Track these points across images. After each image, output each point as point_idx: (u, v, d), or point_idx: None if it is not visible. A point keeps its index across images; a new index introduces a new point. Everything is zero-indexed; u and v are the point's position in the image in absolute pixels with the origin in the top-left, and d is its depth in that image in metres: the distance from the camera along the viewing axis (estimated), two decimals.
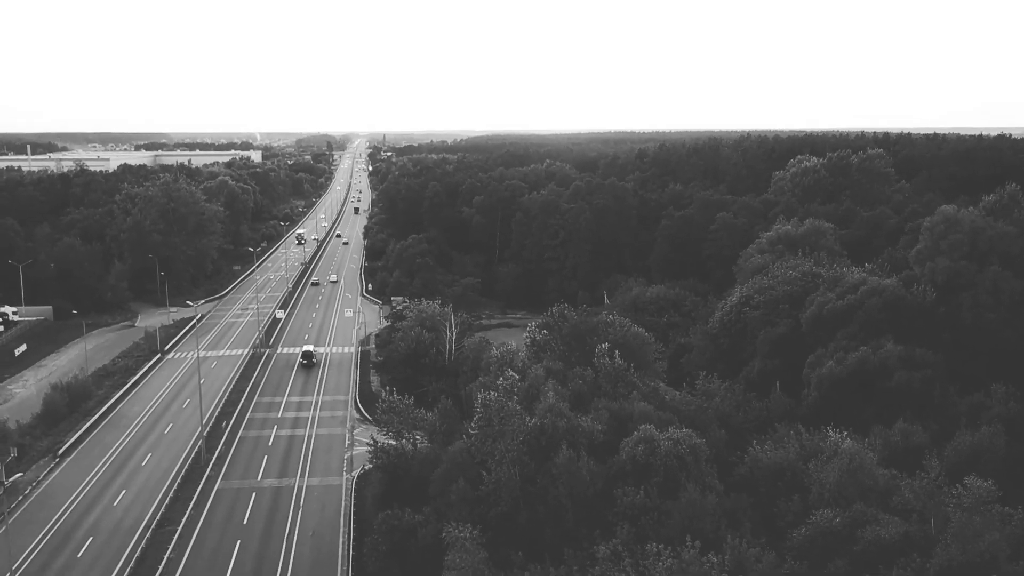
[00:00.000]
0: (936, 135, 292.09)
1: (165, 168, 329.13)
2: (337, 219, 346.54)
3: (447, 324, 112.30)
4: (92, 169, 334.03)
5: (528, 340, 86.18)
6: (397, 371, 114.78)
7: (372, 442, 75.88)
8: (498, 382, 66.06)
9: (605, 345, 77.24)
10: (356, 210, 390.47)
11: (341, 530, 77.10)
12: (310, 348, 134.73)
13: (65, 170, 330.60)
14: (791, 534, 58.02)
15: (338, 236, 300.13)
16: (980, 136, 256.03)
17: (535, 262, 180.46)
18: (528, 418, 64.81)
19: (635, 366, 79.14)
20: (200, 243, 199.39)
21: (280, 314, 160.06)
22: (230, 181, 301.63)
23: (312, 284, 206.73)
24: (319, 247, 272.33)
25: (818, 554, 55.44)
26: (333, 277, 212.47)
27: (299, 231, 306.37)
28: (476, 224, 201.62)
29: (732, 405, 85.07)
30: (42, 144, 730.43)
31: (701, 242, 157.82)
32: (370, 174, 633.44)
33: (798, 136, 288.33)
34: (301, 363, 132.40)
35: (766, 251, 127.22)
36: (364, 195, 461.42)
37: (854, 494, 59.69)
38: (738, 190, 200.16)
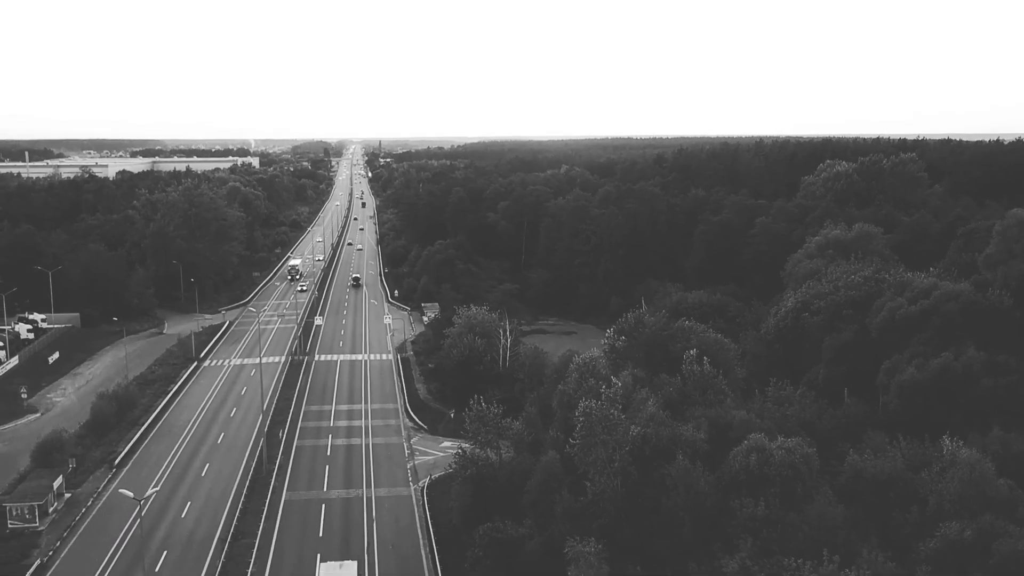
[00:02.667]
0: (949, 140, 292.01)
1: (176, 176, 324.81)
2: (344, 231, 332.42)
3: (500, 331, 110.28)
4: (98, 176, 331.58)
5: (607, 347, 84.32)
6: (449, 379, 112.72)
7: (460, 451, 73.86)
8: (601, 390, 64.04)
9: (693, 351, 75.40)
10: (363, 204, 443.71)
11: (421, 542, 75.11)
12: (359, 275, 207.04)
13: (73, 176, 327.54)
14: (917, 546, 56.16)
15: (355, 219, 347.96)
16: (998, 141, 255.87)
17: (565, 268, 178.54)
18: (633, 427, 62.90)
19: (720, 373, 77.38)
20: (222, 249, 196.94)
21: (319, 320, 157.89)
22: (241, 187, 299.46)
23: (347, 244, 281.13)
24: (334, 254, 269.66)
25: (950, 568, 53.65)
26: (360, 246, 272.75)
27: (292, 262, 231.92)
28: (501, 229, 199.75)
29: (812, 413, 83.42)
30: (37, 150, 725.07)
31: (740, 247, 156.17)
32: (370, 180, 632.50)
33: (817, 141, 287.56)
34: (351, 284, 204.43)
35: (816, 256, 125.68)
36: (367, 199, 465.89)
37: (978, 506, 57.87)
38: (761, 194, 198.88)
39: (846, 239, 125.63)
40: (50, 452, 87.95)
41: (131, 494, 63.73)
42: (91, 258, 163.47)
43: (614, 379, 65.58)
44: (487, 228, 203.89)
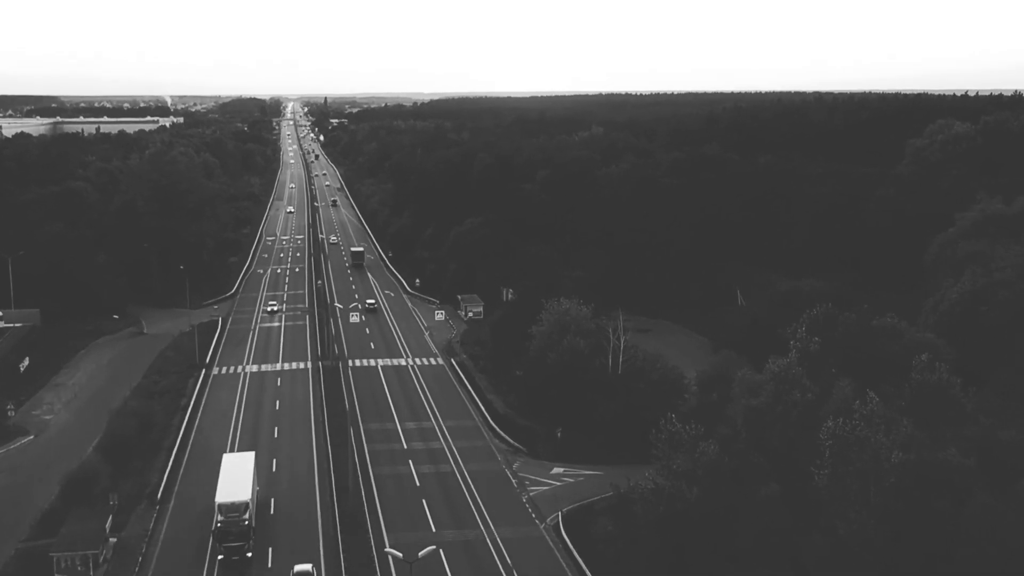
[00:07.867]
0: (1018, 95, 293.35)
1: (123, 138, 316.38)
2: (320, 226, 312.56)
3: (611, 330, 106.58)
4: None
5: (798, 350, 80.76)
6: (543, 388, 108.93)
7: (654, 484, 70.25)
8: (853, 406, 60.81)
9: (924, 356, 72.41)
10: (316, 156, 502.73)
11: None
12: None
13: None
14: None
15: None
16: None
17: (625, 250, 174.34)
18: (895, 452, 59.72)
19: None
20: (198, 228, 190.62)
21: (355, 318, 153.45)
22: (194, 153, 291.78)
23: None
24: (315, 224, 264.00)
25: None
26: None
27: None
28: (540, 204, 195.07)
29: None
30: None
31: (851, 223, 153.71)
32: (323, 144, 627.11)
33: (907, 96, 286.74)
34: (351, 266, 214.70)
35: (972, 235, 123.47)
36: (320, 157, 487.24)
37: None
38: (843, 160, 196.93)
39: (1009, 214, 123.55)
40: (85, 486, 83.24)
41: (400, 554, 60.40)
42: (52, 242, 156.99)
43: (870, 393, 62.16)
44: (520, 202, 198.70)
